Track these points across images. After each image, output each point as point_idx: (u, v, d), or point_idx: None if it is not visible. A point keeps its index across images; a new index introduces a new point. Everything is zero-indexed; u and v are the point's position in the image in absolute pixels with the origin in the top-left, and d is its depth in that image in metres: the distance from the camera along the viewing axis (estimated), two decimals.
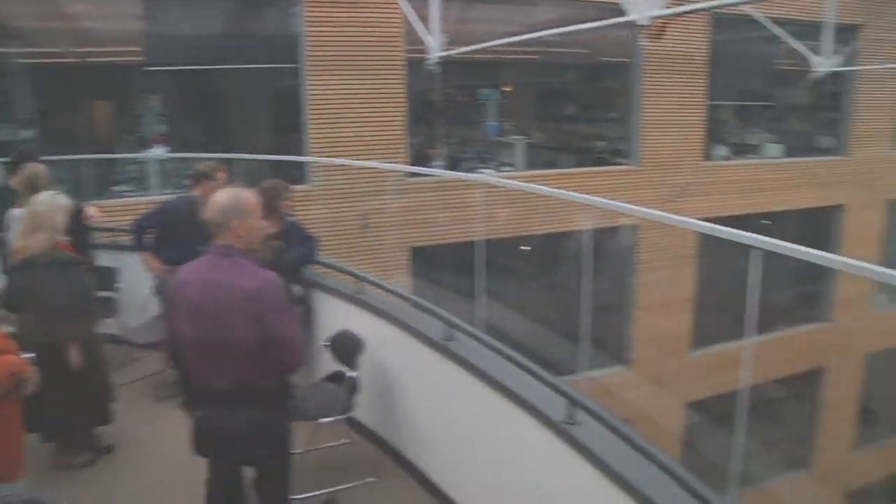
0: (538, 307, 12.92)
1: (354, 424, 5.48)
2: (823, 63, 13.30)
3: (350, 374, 5.09)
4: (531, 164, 12.95)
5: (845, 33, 14.20)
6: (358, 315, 5.63)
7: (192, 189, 6.24)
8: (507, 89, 14.08)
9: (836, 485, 17.32)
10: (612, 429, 3.48)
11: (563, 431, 3.67)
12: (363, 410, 5.40)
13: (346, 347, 5.29)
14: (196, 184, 6.20)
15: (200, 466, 3.74)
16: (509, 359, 4.16)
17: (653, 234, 13.22)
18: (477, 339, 4.46)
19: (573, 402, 3.71)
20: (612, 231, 13.46)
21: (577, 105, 14.63)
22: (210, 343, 3.27)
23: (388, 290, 5.56)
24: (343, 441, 5.36)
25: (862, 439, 17.58)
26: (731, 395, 14.20)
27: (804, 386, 16.60)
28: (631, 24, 7.33)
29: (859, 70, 15.08)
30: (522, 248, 12.84)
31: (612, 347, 13.87)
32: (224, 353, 3.27)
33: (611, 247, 13.69)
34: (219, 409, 3.38)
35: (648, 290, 13.63)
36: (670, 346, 13.99)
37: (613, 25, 8.01)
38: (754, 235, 3.38)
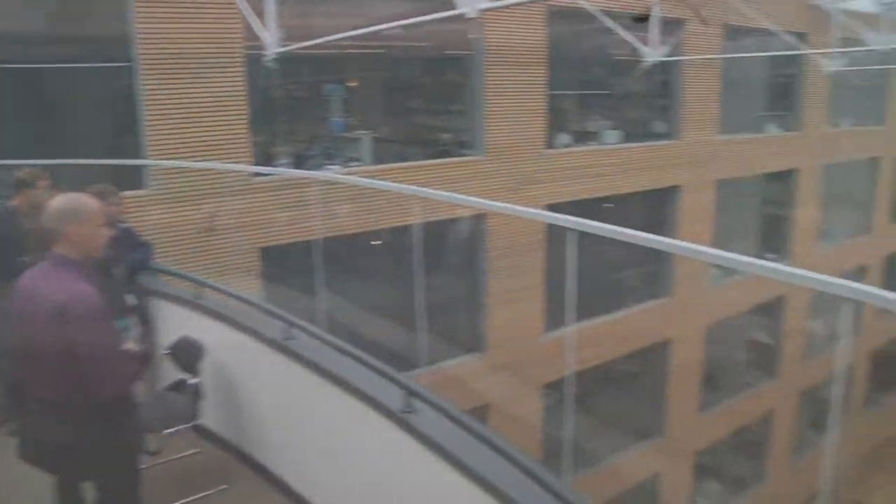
0: (391, 302, 13.01)
1: (203, 432, 5.38)
2: (652, 53, 14.07)
3: (192, 380, 5.01)
4: (379, 159, 12.96)
5: (671, 26, 15.01)
6: (199, 320, 5.53)
7: (12, 198, 5.85)
8: (353, 84, 14.03)
9: (686, 447, 18.46)
10: (450, 416, 3.61)
11: (401, 421, 3.81)
12: (211, 417, 5.32)
13: (187, 354, 5.20)
14: (15, 192, 5.83)
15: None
16: (348, 354, 4.23)
17: (499, 221, 13.54)
18: (316, 336, 4.51)
19: (410, 393, 3.85)
20: (459, 221, 13.73)
21: (423, 98, 14.76)
22: (29, 354, 3.22)
23: (227, 294, 5.48)
24: (192, 451, 5.24)
25: (705, 403, 18.81)
26: (586, 372, 14.91)
27: (653, 358, 17.53)
28: (473, 18, 7.46)
29: (685, 60, 16.02)
30: (373, 242, 12.86)
31: (467, 336, 14.15)
32: (42, 365, 3.20)
33: (459, 236, 13.95)
34: (47, 421, 3.28)
35: (499, 277, 13.97)
36: (523, 331, 14.39)
37: (455, 19, 8.10)
38: (569, 217, 3.53)
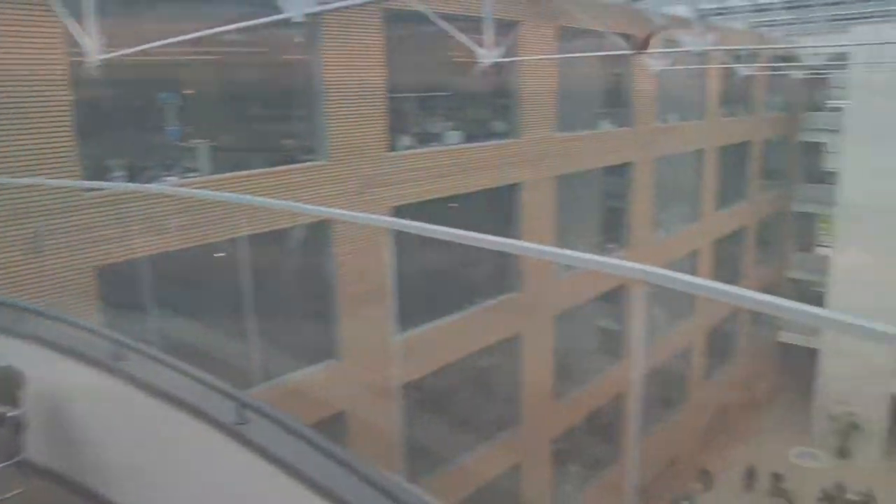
0: (237, 315, 12.76)
1: (28, 468, 5.01)
2: (487, 55, 14.44)
3: (12, 412, 4.70)
4: (218, 168, 12.62)
5: (506, 28, 15.47)
6: (19, 347, 5.21)
7: None
8: (189, 92, 13.60)
9: (543, 435, 19.12)
10: (284, 426, 3.65)
11: (235, 433, 3.82)
12: (37, 450, 4.99)
13: (5, 384, 4.85)
14: None
15: None
16: (181, 371, 4.19)
17: (345, 227, 13.52)
18: (148, 355, 4.44)
19: (243, 405, 3.88)
20: (301, 229, 13.63)
21: (264, 104, 14.50)
22: None
23: (51, 318, 5.27)
24: (15, 491, 4.86)
25: (559, 391, 19.55)
26: (441, 371, 15.11)
27: (506, 352, 18.01)
28: (309, 23, 7.41)
29: (521, 60, 16.56)
30: (217, 255, 12.54)
31: (319, 343, 14.06)
32: None
33: (304, 244, 13.86)
34: None
35: (349, 281, 13.96)
36: (376, 333, 14.45)
37: (293, 24, 8.02)
38: (388, 219, 3.61)
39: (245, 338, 10.69)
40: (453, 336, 16.11)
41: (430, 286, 15.40)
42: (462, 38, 13.98)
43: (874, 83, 26.87)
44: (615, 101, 21.33)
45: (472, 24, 14.14)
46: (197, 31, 9.64)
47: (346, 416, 14.13)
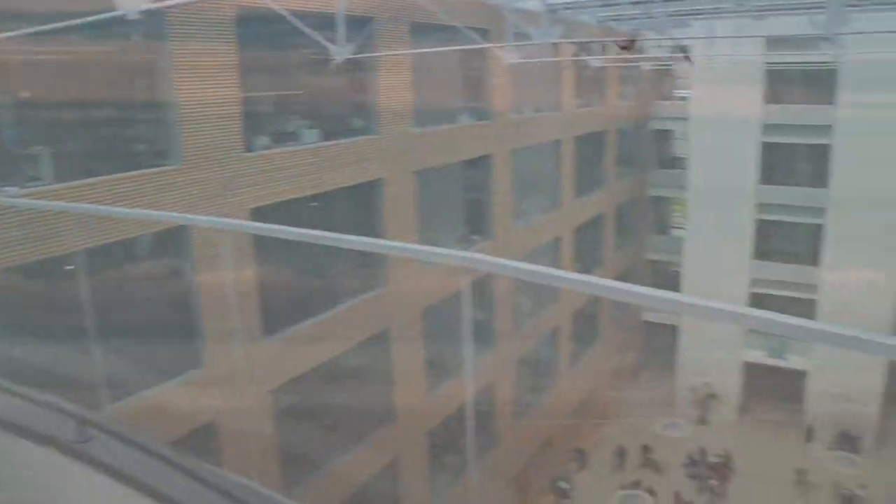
0: (89, 329, 12.23)
1: None
2: (340, 51, 14.41)
3: None
4: (63, 176, 11.98)
5: (359, 24, 15.46)
6: None
7: None
8: (26, 95, 12.84)
9: (418, 428, 19.28)
10: (129, 441, 3.54)
11: (75, 451, 3.67)
12: None
13: None
14: None
15: None
16: (12, 392, 3.97)
17: (204, 232, 13.16)
18: None
19: (83, 422, 3.72)
20: (155, 236, 13.21)
21: (112, 108, 13.87)
22: None
23: None
24: None
25: (432, 383, 19.76)
26: (311, 373, 14.88)
27: (376, 349, 18.02)
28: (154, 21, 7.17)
29: (376, 56, 16.59)
30: (68, 267, 11.95)
31: (181, 353, 13.64)
32: None
33: (162, 251, 13.43)
34: None
35: (212, 287, 13.61)
36: (242, 339, 14.21)
37: (137, 23, 7.72)
38: (210, 218, 3.55)
39: (98, 354, 10.26)
40: (321, 337, 16.00)
41: (295, 288, 15.26)
42: (314, 35, 13.90)
43: (711, 74, 28.69)
44: (473, 95, 21.73)
45: (326, 21, 14.08)
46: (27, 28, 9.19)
47: (214, 427, 13.79)
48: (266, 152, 14.76)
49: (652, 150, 35.09)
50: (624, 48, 16.08)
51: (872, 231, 28.06)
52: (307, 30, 13.74)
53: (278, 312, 14.81)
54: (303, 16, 13.87)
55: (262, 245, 14.03)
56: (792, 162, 30.70)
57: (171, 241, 13.39)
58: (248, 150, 14.39)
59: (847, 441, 29.31)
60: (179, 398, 13.22)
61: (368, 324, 17.39)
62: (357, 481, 17.23)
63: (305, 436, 16.58)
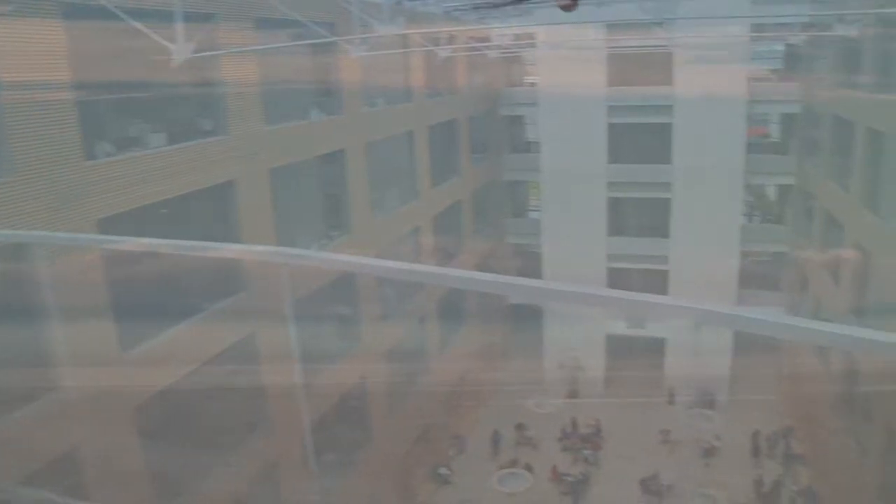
0: None
1: None
2: (180, 50, 13.94)
3: None
4: None
5: (200, 21, 15.01)
6: None
7: None
8: None
9: (293, 430, 18.93)
10: None
11: None
12: None
13: None
14: None
15: None
16: None
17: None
18: None
19: None
20: None
21: None
22: None
23: None
24: None
25: (305, 382, 19.40)
26: (178, 384, 14.13)
27: (246, 352, 17.54)
28: None
29: (219, 54, 16.11)
30: None
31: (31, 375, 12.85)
32: None
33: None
34: None
35: (61, 301, 12.88)
36: (99, 352, 13.56)
37: None
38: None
39: None
40: (186, 345, 15.50)
41: (154, 296, 14.66)
42: (153, 34, 13.37)
43: (558, 60, 29.73)
44: (323, 89, 21.53)
45: (166, 18, 13.54)
46: None
47: (76, 456, 13.06)
48: (109, 160, 14.05)
49: (505, 135, 35.92)
50: (565, 8, 16.32)
51: (714, 201, 30.16)
52: (145, 29, 13.20)
53: (142, 322, 14.21)
54: (140, 13, 13.33)
55: (119, 253, 13.36)
56: (638, 141, 32.26)
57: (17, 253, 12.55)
58: (91, 157, 13.66)
59: (703, 399, 31.28)
60: (32, 427, 12.46)
61: (234, 329, 16.94)
62: (237, 493, 16.83)
63: (177, 452, 15.99)
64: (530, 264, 33.82)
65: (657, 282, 31.83)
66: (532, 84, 34.30)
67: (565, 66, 30.32)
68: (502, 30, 30.34)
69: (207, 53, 15.27)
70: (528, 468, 27.37)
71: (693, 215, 30.95)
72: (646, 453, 27.59)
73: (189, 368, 15.63)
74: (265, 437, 18.19)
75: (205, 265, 16.30)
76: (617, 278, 32.51)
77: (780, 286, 32.74)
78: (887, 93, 20.91)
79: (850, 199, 23.26)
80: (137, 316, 14.18)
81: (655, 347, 32.33)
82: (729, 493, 25.38)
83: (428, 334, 27.83)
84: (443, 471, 26.78)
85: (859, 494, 20.98)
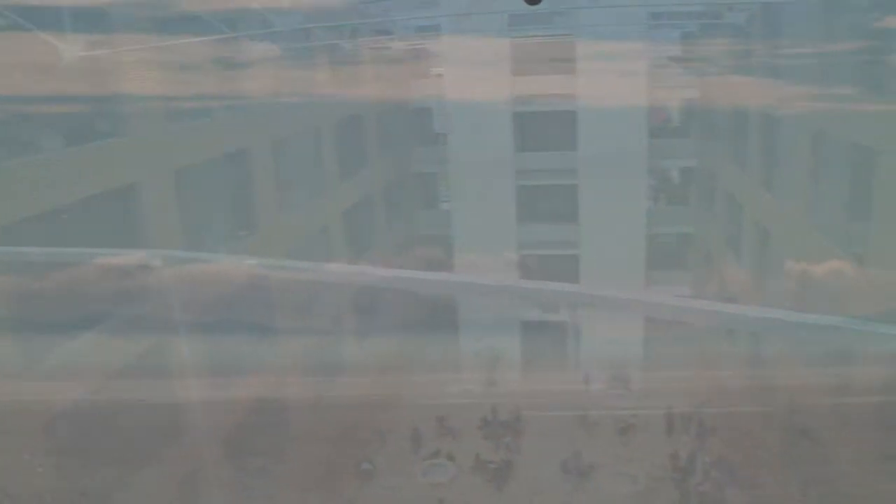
0: None
1: None
2: (70, 49, 13.33)
3: None
4: None
5: (96, 17, 14.44)
6: None
7: None
8: None
9: (214, 437, 18.50)
10: None
11: None
12: None
13: None
14: None
15: None
16: None
17: None
18: None
19: None
20: None
21: None
22: None
23: None
24: None
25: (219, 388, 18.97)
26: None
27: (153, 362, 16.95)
28: None
29: (114, 52, 15.48)
30: None
31: None
32: None
33: None
34: None
35: None
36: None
37: None
38: None
39: None
40: (87, 358, 14.89)
41: (53, 308, 14.03)
42: (36, 31, 12.75)
43: (462, 51, 29.90)
44: (227, 88, 20.95)
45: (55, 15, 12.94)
46: None
47: None
48: None
49: (413, 128, 35.80)
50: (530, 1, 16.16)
51: (619, 186, 30.87)
52: (29, 25, 12.59)
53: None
54: (26, 10, 12.71)
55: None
56: (544, 129, 32.72)
57: None
58: None
59: (618, 379, 31.99)
60: None
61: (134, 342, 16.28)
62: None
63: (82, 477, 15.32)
64: (442, 255, 33.88)
65: (568, 266, 32.40)
66: (438, 75, 34.25)
67: (471, 58, 30.47)
68: (407, 21, 30.24)
69: (98, 52, 14.67)
70: (451, 458, 27.41)
71: (599, 200, 31.60)
72: (565, 436, 28.02)
73: (91, 383, 14.99)
74: (183, 445, 17.64)
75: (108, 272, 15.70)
76: (529, 265, 32.97)
77: (687, 266, 33.82)
78: (774, 78, 21.88)
79: (748, 180, 24.25)
80: (34, 329, 13.57)
81: (571, 333, 32.88)
82: (647, 467, 26.07)
83: (343, 333, 27.55)
84: (366, 466, 26.57)
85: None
